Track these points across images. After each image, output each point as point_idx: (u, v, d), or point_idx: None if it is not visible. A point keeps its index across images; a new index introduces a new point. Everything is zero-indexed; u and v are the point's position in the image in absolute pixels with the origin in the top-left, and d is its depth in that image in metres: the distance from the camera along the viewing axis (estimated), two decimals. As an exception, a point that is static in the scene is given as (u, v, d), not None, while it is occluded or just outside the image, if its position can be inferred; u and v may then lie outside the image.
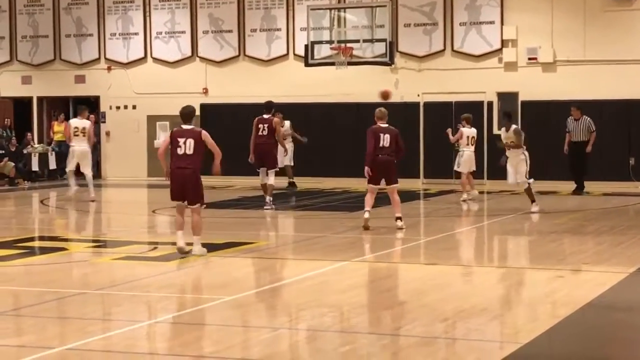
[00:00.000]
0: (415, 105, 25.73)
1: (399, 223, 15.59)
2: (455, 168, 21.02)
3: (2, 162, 25.83)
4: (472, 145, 20.76)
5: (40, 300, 10.13)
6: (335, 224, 16.67)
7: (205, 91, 27.61)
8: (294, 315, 9.69)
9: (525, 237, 15.62)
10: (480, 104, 24.88)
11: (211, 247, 13.67)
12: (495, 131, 25.14)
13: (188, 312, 9.66)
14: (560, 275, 11.56)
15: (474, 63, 25.41)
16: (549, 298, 10.26)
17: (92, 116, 28.18)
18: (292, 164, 24.03)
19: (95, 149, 28.41)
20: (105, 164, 28.83)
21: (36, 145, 28.07)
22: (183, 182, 12.67)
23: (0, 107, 28.86)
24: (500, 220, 17.45)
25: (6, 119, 28.56)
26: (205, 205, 13.02)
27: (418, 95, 25.72)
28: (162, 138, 27.54)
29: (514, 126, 18.82)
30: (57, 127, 28.50)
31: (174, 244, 13.58)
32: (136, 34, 28.28)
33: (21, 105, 29.54)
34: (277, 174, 19.26)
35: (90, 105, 28.82)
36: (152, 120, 27.91)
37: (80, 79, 28.85)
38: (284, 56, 26.95)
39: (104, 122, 28.66)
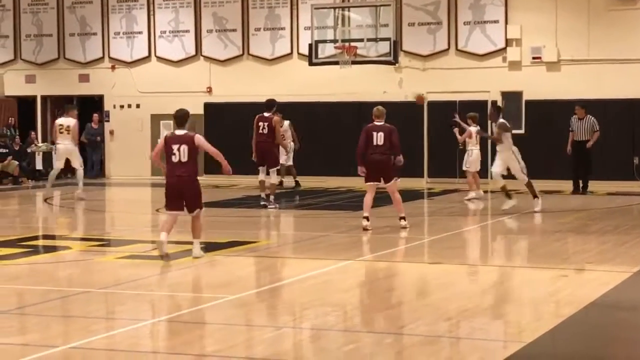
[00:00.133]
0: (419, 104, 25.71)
1: (403, 222, 15.58)
2: (466, 167, 20.89)
3: (6, 161, 25.86)
4: (478, 144, 20.80)
5: (44, 299, 10.14)
6: (339, 223, 16.66)
7: (209, 90, 27.62)
8: (297, 314, 9.69)
9: (529, 236, 15.60)
10: (484, 103, 24.84)
11: (214, 246, 13.68)
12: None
13: (191, 311, 9.66)
14: (564, 275, 11.55)
15: (478, 62, 25.40)
16: (552, 297, 10.26)
17: (95, 116, 28.29)
18: (292, 163, 23.88)
19: (99, 147, 28.46)
20: (109, 162, 28.85)
21: (40, 144, 28.10)
22: (181, 191, 12.40)
23: (4, 106, 28.90)
24: (504, 219, 17.44)
25: (10, 118, 28.60)
26: (203, 208, 12.81)
27: (422, 95, 25.71)
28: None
29: (500, 120, 18.51)
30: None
31: (177, 243, 13.60)
32: (140, 33, 28.30)
33: (25, 104, 29.57)
34: (279, 174, 19.24)
35: (94, 104, 28.95)
36: (156, 119, 27.92)
37: (84, 78, 28.87)
38: (288, 55, 26.94)
39: (108, 121, 28.68)
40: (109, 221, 19.08)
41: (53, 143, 28.41)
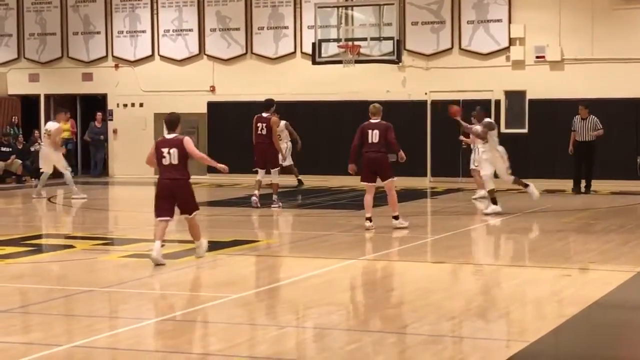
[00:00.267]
0: (423, 103, 25.71)
1: (395, 222, 15.39)
2: (474, 166, 20.79)
3: (10, 160, 25.89)
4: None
5: (47, 298, 10.16)
6: (342, 222, 16.65)
7: (213, 89, 27.63)
8: (300, 313, 9.70)
9: (532, 235, 15.59)
10: (487, 102, 24.83)
11: (218, 245, 13.68)
12: (503, 130, 25.18)
13: (194, 310, 9.67)
14: (567, 274, 11.55)
15: (482, 61, 25.38)
16: (555, 297, 10.25)
17: (99, 115, 28.30)
18: (292, 162, 23.75)
19: (103, 146, 28.44)
20: (112, 161, 28.86)
21: (43, 143, 28.07)
22: (172, 193, 12.19)
23: (8, 104, 28.92)
24: (507, 218, 17.42)
25: (14, 117, 28.62)
26: (199, 210, 12.59)
27: (425, 94, 25.70)
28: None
29: (486, 119, 18.34)
30: (63, 125, 28.48)
31: (181, 242, 13.62)
32: (143, 31, 28.30)
33: (29, 103, 29.58)
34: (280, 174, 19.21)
35: (97, 103, 28.97)
36: (159, 118, 27.88)
37: (87, 77, 28.89)
38: (292, 54, 26.94)
39: (111, 119, 28.69)
40: (112, 220, 19.10)
41: (73, 143, 28.69)
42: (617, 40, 24.23)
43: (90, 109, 29.11)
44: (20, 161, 26.09)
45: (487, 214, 17.50)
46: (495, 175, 18.22)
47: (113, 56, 28.62)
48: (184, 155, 12.22)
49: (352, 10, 23.98)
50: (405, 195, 21.41)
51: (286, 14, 26.92)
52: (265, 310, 9.92)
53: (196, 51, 27.78)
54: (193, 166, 29.02)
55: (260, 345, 8.27)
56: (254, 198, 18.65)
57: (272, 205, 18.71)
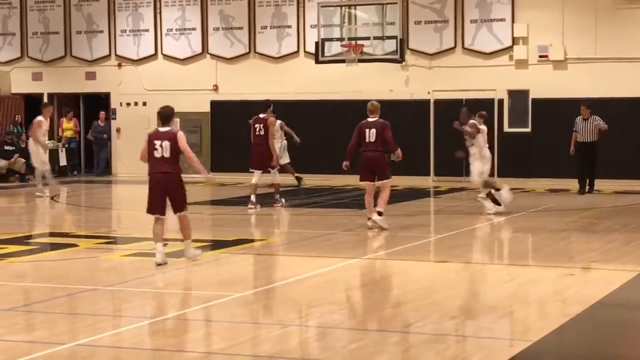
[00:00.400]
0: (426, 102, 25.71)
1: (377, 217, 15.09)
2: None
3: (13, 159, 25.90)
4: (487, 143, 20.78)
5: (50, 296, 10.16)
6: (345, 221, 16.65)
7: (216, 88, 27.63)
8: (303, 312, 9.70)
9: (536, 234, 15.57)
10: (490, 101, 24.82)
11: (220, 244, 13.69)
12: (506, 129, 25.19)
13: (197, 309, 9.67)
14: (571, 274, 11.55)
15: (485, 60, 25.37)
16: (559, 296, 10.25)
17: (102, 114, 28.31)
18: (288, 160, 23.61)
19: (106, 145, 28.44)
20: (115, 160, 28.87)
21: (47, 142, 28.07)
22: (165, 188, 11.94)
23: (11, 103, 28.93)
24: (510, 218, 17.42)
25: (17, 116, 28.64)
26: (187, 209, 12.22)
27: (428, 93, 25.70)
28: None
29: (471, 120, 18.07)
30: (66, 123, 28.59)
31: (183, 240, 13.59)
32: (147, 30, 28.31)
33: (32, 102, 29.57)
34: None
35: (100, 101, 28.98)
36: (162, 117, 27.91)
37: (90, 76, 28.90)
38: (295, 53, 26.94)
39: (114, 118, 28.70)
40: (115, 219, 19.11)
41: (75, 141, 28.74)
42: (621, 39, 24.21)
43: (93, 108, 29.11)
44: (23, 160, 26.08)
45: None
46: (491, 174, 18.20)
47: (116, 55, 28.63)
48: (176, 149, 11.96)
49: (355, 9, 23.97)
50: (409, 195, 21.43)
51: (289, 13, 26.92)
52: (268, 309, 9.92)
53: (199, 50, 27.78)
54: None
55: (263, 344, 8.27)
56: (250, 205, 18.36)
57: (276, 205, 18.70)
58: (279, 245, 14.46)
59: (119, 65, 28.58)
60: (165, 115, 12.25)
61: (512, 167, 24.55)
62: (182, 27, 27.96)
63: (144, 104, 28.27)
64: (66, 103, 29.53)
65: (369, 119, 15.39)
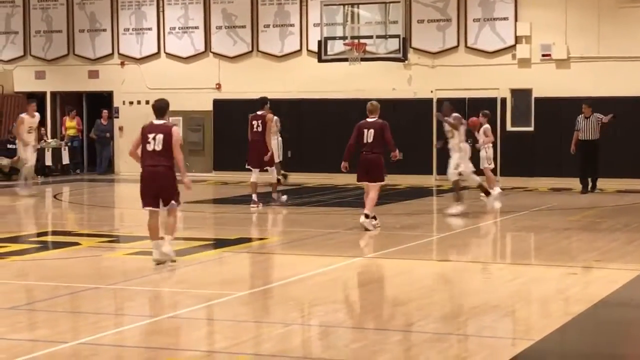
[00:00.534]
0: (428, 101, 25.69)
1: (364, 220, 14.96)
2: (487, 165, 20.75)
3: (16, 157, 25.89)
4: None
5: (53, 295, 10.17)
6: (348, 220, 16.64)
7: (219, 87, 27.64)
8: (305, 311, 9.70)
9: (538, 233, 15.56)
10: (493, 100, 24.82)
11: (223, 243, 13.69)
12: (509, 128, 25.17)
13: (199, 308, 9.67)
14: (573, 272, 11.55)
15: (488, 59, 25.36)
16: (561, 295, 10.25)
17: (104, 112, 28.32)
18: (280, 159, 23.41)
19: (109, 143, 28.44)
20: (118, 159, 28.86)
21: (50, 140, 28.15)
22: (155, 182, 11.65)
23: (14, 102, 28.94)
24: (513, 217, 17.42)
25: (20, 114, 28.63)
26: (180, 204, 11.98)
27: (431, 92, 25.67)
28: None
29: (454, 114, 17.77)
30: (69, 122, 28.62)
31: (186, 239, 13.61)
32: (149, 29, 28.32)
33: (35, 100, 29.58)
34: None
35: (103, 100, 28.99)
36: (165, 115, 27.92)
37: (93, 74, 28.91)
38: (297, 52, 26.94)
39: (117, 117, 28.71)
40: (118, 217, 19.11)
41: (78, 140, 28.80)
42: (623, 38, 24.19)
43: (96, 107, 29.13)
44: (26, 158, 26.09)
45: (451, 214, 17.12)
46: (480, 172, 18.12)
47: (119, 54, 28.65)
48: (169, 142, 11.61)
49: (358, 8, 23.97)
50: (411, 193, 21.42)
51: (292, 11, 26.92)
52: (270, 308, 9.92)
53: (202, 49, 27.79)
54: (198, 164, 29.13)
55: (265, 342, 8.27)
56: (252, 204, 18.33)
57: (273, 203, 18.61)
58: (281, 244, 14.46)
59: (122, 63, 28.58)
60: (160, 108, 11.92)
61: (515, 166, 24.54)
62: (184, 26, 27.97)
63: (147, 102, 28.20)
64: (69, 101, 29.55)
65: (368, 119, 15.33)
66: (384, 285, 11.29)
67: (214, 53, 27.70)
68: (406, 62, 24.95)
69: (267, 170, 18.74)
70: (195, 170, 27.54)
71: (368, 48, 23.40)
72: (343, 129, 25.83)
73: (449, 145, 17.90)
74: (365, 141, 15.14)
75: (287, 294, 10.51)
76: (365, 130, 15.17)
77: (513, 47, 25.17)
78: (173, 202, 11.75)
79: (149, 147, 11.64)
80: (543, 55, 24.90)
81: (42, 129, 28.48)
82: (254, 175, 18.55)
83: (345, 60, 23.47)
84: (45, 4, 29.21)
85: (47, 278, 11.30)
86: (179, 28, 28.04)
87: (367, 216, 15.09)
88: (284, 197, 19.17)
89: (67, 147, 28.03)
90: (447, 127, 17.72)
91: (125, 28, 28.54)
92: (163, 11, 28.13)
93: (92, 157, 29.40)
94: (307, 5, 26.64)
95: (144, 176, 11.77)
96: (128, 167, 28.39)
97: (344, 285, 11.14)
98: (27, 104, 22.37)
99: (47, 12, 29.21)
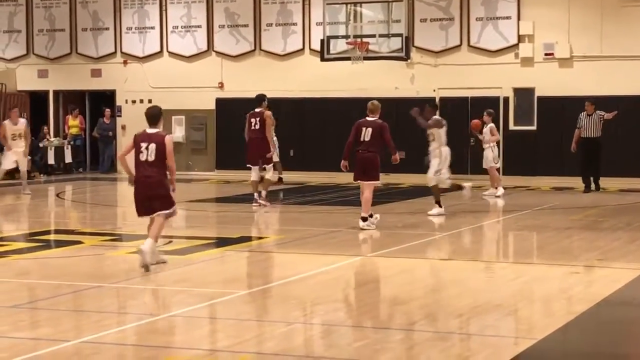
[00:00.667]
0: (431, 100, 25.62)
1: (362, 223, 15.01)
2: (494, 164, 20.73)
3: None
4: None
5: (56, 293, 10.18)
6: (350, 219, 16.64)
7: (221, 86, 27.64)
8: (308, 310, 9.70)
9: (541, 233, 15.56)
10: (496, 99, 24.80)
11: (225, 242, 13.69)
12: (511, 127, 25.15)
13: (202, 306, 9.68)
14: (576, 272, 11.54)
15: (490, 58, 25.34)
16: (564, 294, 10.24)
17: (107, 111, 28.34)
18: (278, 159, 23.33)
19: (111, 142, 28.46)
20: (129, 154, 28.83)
21: (52, 139, 28.17)
22: (149, 193, 11.40)
23: (17, 100, 28.95)
24: (515, 216, 17.41)
25: (23, 113, 28.64)
26: (173, 214, 11.67)
27: (434, 91, 25.66)
28: (178, 133, 27.85)
29: (434, 117, 17.50)
30: (72, 121, 28.65)
31: (188, 238, 13.62)
32: (152, 28, 28.32)
33: (37, 99, 29.63)
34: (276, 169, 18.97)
35: (106, 99, 29.01)
36: (167, 114, 27.77)
37: (96, 73, 28.92)
38: (300, 51, 26.93)
39: (120, 116, 28.72)
40: (120, 216, 19.12)
41: (81, 139, 28.84)
42: (626, 37, 24.17)
43: (98, 105, 29.15)
44: (28, 157, 26.10)
45: (429, 215, 16.95)
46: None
47: (122, 52, 28.65)
48: (162, 152, 11.32)
49: (360, 6, 23.94)
50: (414, 192, 21.41)
51: (295, 10, 26.91)
52: (273, 306, 9.92)
53: (205, 48, 27.79)
54: (201, 162, 29.13)
55: (268, 341, 8.27)
56: (255, 203, 18.26)
57: (259, 201, 18.35)
58: (283, 243, 14.45)
59: (125, 62, 28.59)
60: (153, 115, 11.54)
61: (517, 165, 24.53)
62: (187, 25, 27.97)
63: (150, 101, 28.19)
64: (72, 100, 29.57)
65: (368, 118, 15.32)
66: (385, 284, 11.29)
67: (216, 52, 27.70)
68: (409, 61, 24.93)
69: (265, 169, 18.56)
70: (198, 169, 27.58)
71: (371, 47, 23.37)
72: (345, 128, 25.79)
73: (429, 147, 17.59)
74: (362, 139, 15.13)
75: (289, 292, 10.51)
76: (364, 129, 15.15)
77: (516, 46, 25.15)
78: (166, 211, 11.48)
79: (142, 157, 11.40)
80: (546, 54, 24.88)
81: (45, 127, 28.52)
82: (254, 174, 18.54)
83: (348, 59, 23.45)
84: (48, 2, 29.22)
85: (49, 276, 11.31)
86: (181, 27, 28.05)
87: (364, 219, 15.10)
88: (268, 202, 18.63)
89: (69, 146, 28.06)
90: (429, 130, 17.49)
91: (128, 27, 28.55)
92: (166, 10, 28.13)
93: (94, 156, 29.41)
94: (309, 4, 26.63)
95: (136, 186, 11.55)
96: (130, 165, 28.43)
97: (346, 284, 11.14)
98: (10, 109, 22.35)
99: (49, 10, 29.22)
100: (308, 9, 26.69)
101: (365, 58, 23.34)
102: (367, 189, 15.23)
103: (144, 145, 11.37)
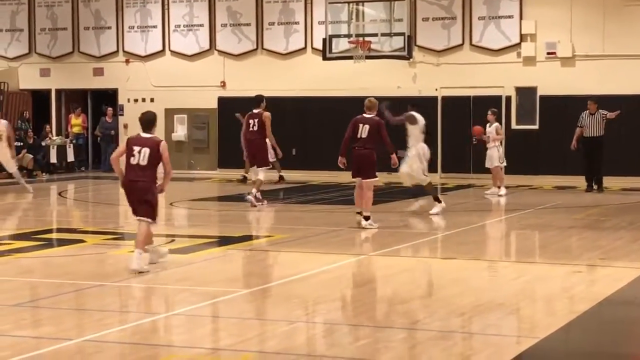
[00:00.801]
0: (433, 99, 25.67)
1: (364, 222, 14.98)
2: (499, 163, 20.71)
3: (21, 154, 25.94)
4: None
5: (57, 292, 10.18)
6: (352, 218, 16.62)
7: (223, 84, 27.64)
8: (310, 308, 9.70)
9: (543, 232, 15.55)
10: (498, 98, 24.79)
11: (227, 241, 13.69)
12: (513, 126, 25.14)
13: (204, 305, 9.68)
14: (578, 271, 11.54)
15: (493, 57, 25.33)
16: (566, 293, 10.24)
17: (109, 110, 28.36)
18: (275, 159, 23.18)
19: (113, 141, 28.50)
20: (122, 157, 28.84)
21: (54, 138, 28.19)
22: (134, 196, 11.37)
23: (19, 99, 28.98)
24: (517, 215, 17.41)
25: (25, 111, 28.69)
26: (155, 223, 11.48)
27: (436, 90, 25.66)
28: (180, 131, 27.88)
29: (408, 112, 17.09)
30: (74, 119, 28.66)
31: (191, 236, 13.62)
32: (154, 27, 28.33)
33: (40, 98, 29.65)
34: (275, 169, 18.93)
35: (108, 98, 29.02)
36: (170, 113, 27.96)
37: (98, 72, 28.94)
38: (302, 50, 26.93)
39: (122, 114, 28.72)
40: (122, 215, 19.10)
41: (83, 138, 28.88)
42: (629, 36, 24.15)
43: (101, 104, 29.16)
44: (31, 155, 26.16)
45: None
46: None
47: (124, 51, 28.66)
48: (155, 157, 11.25)
49: (362, 5, 23.93)
50: (416, 191, 21.40)
51: (297, 9, 26.91)
52: (275, 305, 9.92)
53: (207, 46, 27.79)
54: (203, 161, 29.11)
55: (270, 340, 8.27)
56: (257, 202, 18.23)
57: (248, 197, 18.08)
58: (285, 242, 14.45)
59: (127, 61, 28.60)
60: (148, 121, 11.48)
61: (520, 164, 24.49)
62: (189, 24, 27.98)
63: (152, 100, 28.29)
64: (74, 99, 29.59)
65: (365, 115, 15.33)
66: (387, 283, 11.28)
67: (218, 51, 27.71)
68: (411, 60, 24.92)
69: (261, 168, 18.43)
70: (200, 167, 27.59)
71: (373, 46, 23.35)
72: (347, 127, 25.92)
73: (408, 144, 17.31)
74: (359, 136, 15.12)
75: (291, 291, 10.51)
76: (361, 126, 15.16)
77: (518, 45, 25.15)
78: (148, 219, 11.33)
79: (133, 161, 11.33)
80: (548, 53, 24.87)
81: (47, 126, 28.54)
82: (253, 175, 18.54)
83: (350, 58, 23.44)
84: (51, 1, 29.23)
85: (51, 275, 11.31)
86: (183, 26, 28.05)
87: (366, 218, 15.09)
88: (265, 203, 18.50)
89: (72, 145, 28.08)
90: (407, 125, 17.08)
91: (130, 26, 28.55)
92: (168, 9, 28.14)
93: (97, 155, 29.43)
94: (312, 3, 26.63)
95: (127, 191, 11.50)
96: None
97: (347, 283, 11.14)
98: None
99: (52, 9, 29.23)
100: (310, 7, 26.69)
101: (368, 57, 23.33)
102: (366, 187, 15.20)
103: (137, 149, 11.31)
